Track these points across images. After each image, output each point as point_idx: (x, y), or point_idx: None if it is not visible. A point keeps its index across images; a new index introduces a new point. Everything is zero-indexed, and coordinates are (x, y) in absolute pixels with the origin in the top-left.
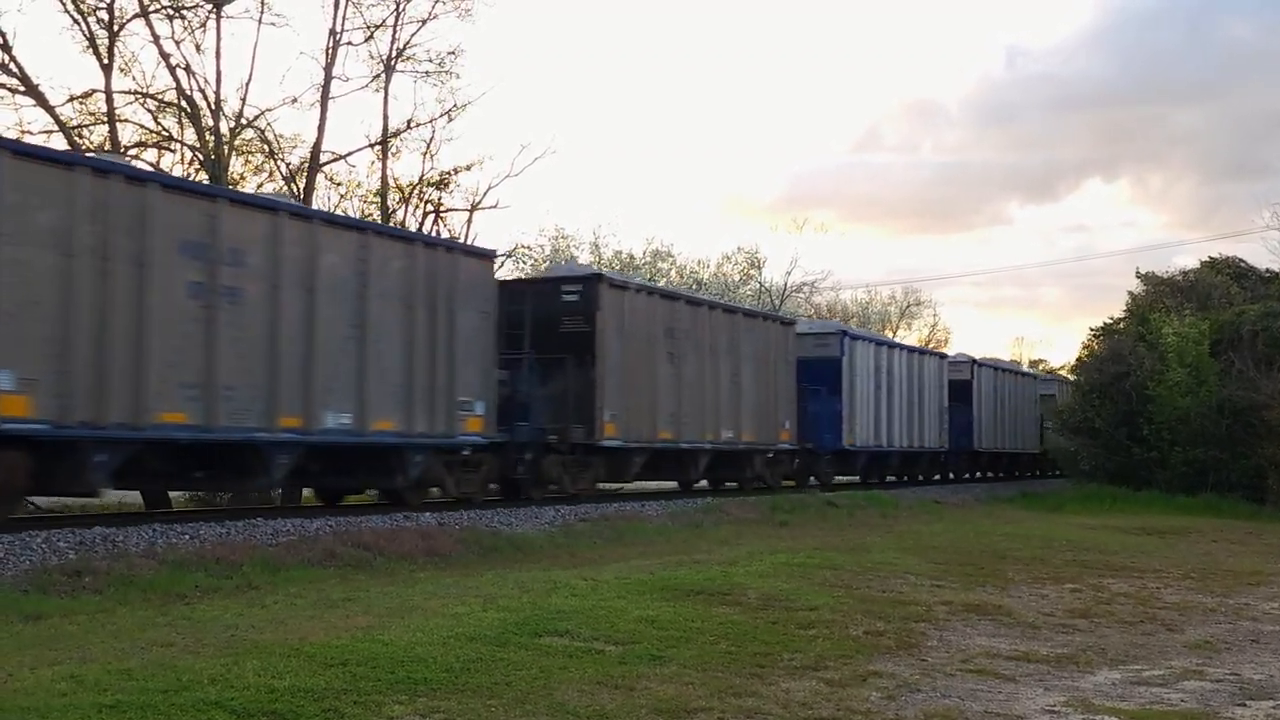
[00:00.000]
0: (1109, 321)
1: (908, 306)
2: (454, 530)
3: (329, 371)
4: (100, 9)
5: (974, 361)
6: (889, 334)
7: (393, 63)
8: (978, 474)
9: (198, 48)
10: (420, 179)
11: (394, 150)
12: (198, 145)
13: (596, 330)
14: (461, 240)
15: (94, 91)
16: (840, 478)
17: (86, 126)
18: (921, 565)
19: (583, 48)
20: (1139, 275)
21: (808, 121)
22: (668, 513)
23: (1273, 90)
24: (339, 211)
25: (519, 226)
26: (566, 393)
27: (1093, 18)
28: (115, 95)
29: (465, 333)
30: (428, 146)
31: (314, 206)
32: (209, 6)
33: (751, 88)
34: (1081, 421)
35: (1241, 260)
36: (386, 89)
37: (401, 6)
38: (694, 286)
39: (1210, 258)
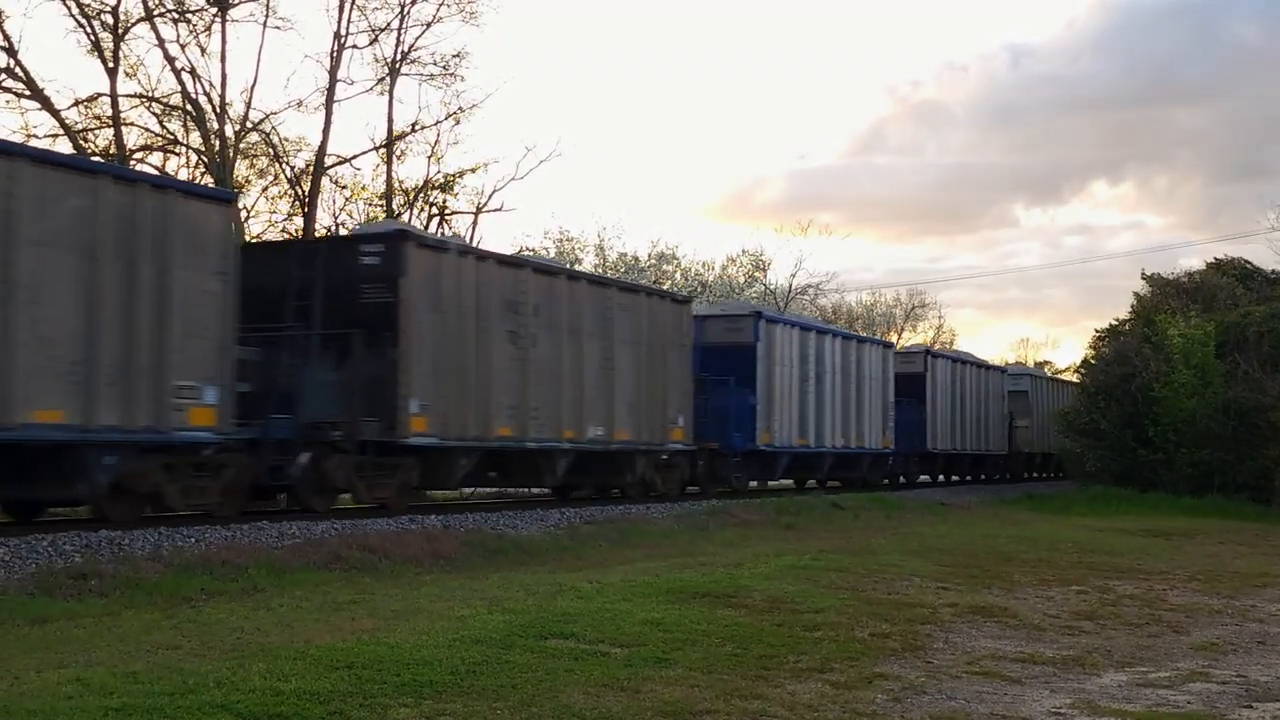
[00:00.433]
0: (1114, 323)
1: (913, 309)
2: (459, 533)
3: None
4: (105, 13)
5: (928, 352)
6: (893, 337)
7: (398, 66)
8: (933, 478)
9: (203, 51)
10: (425, 182)
11: (399, 153)
12: (203, 149)
13: (400, 300)
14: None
15: (99, 95)
16: (772, 483)
17: (92, 130)
18: (927, 567)
19: (588, 50)
20: (1144, 277)
21: (812, 123)
22: (673, 515)
23: (1279, 91)
24: (339, 212)
25: (524, 229)
26: (355, 379)
27: (1098, 19)
28: (120, 99)
29: (184, 298)
30: (433, 149)
31: (317, 209)
32: (214, 10)
33: (755, 90)
34: (1087, 423)
35: (1247, 261)
36: (391, 92)
37: (406, 10)
38: (699, 289)
39: (1216, 259)
